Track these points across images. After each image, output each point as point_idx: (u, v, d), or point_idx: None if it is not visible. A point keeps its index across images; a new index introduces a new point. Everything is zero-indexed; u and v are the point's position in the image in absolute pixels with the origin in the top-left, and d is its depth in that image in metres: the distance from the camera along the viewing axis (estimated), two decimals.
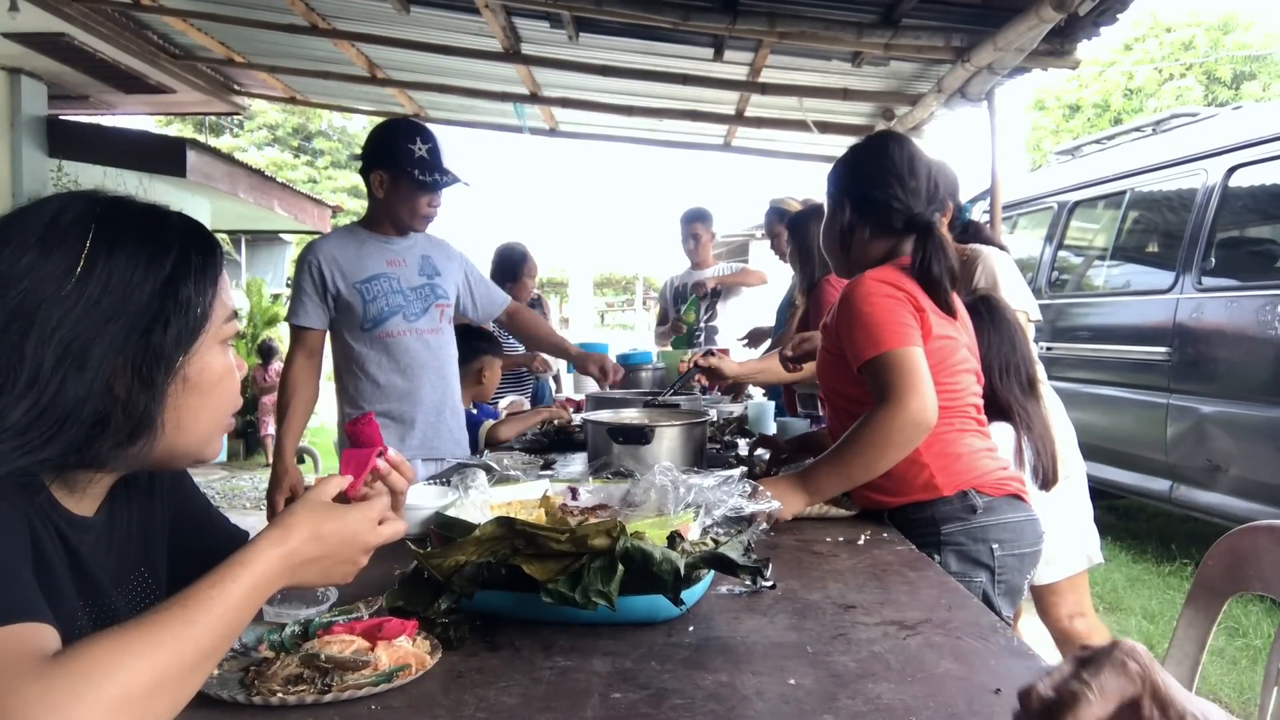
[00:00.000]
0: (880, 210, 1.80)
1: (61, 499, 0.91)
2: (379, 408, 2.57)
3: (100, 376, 0.84)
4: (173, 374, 0.89)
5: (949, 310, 1.76)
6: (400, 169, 2.54)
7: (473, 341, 3.26)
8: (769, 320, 4.50)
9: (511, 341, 4.57)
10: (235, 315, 0.99)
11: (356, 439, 1.04)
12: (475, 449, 2.79)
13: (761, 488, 1.59)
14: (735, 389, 3.97)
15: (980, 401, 1.81)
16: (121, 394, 0.86)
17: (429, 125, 2.86)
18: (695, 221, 5.07)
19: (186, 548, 1.10)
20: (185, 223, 0.96)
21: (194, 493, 1.17)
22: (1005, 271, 2.39)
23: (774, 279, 5.26)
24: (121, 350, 0.85)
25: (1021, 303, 2.39)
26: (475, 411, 3.08)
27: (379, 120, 4.95)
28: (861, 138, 1.97)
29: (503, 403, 3.55)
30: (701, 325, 5.04)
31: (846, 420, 1.73)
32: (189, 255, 0.92)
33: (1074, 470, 2.56)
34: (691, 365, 2.67)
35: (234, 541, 1.20)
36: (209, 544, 1.15)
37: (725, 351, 4.92)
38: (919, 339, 1.65)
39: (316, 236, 2.71)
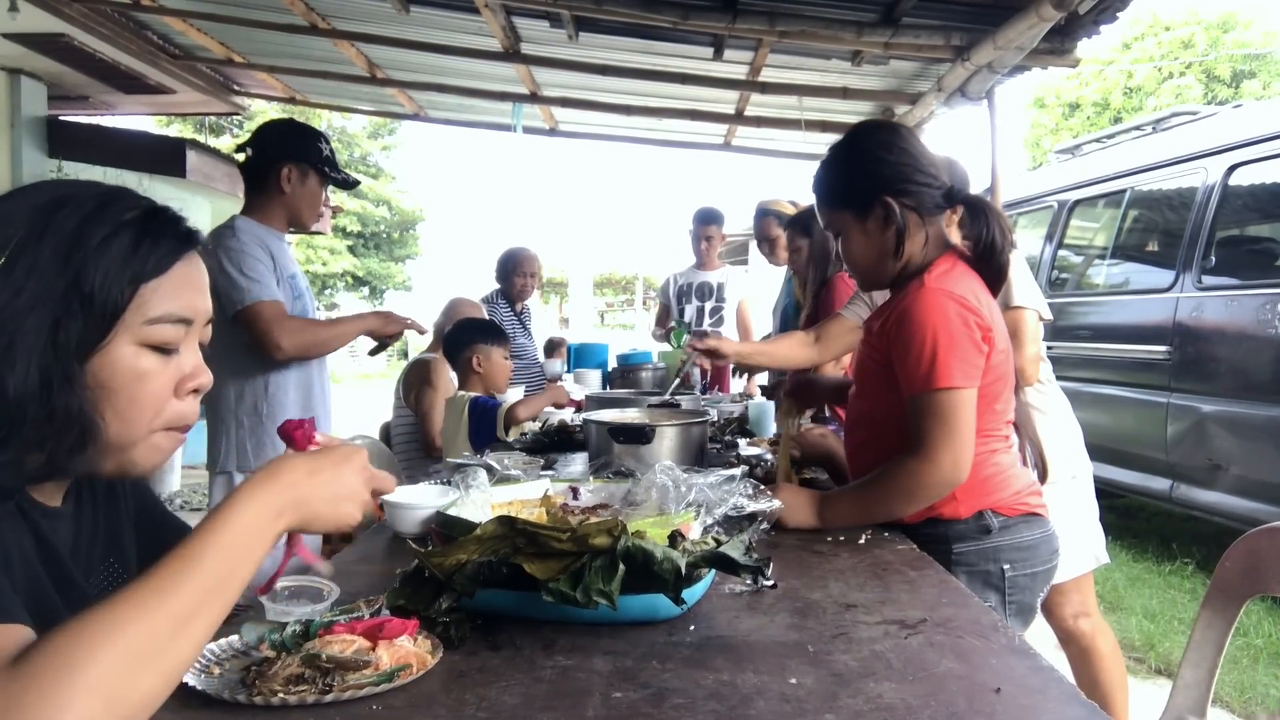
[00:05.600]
0: (925, 194, 1.68)
1: (30, 490, 0.90)
2: (291, 415, 2.55)
3: (32, 373, 0.81)
4: (80, 370, 0.84)
5: (997, 287, 1.73)
6: (312, 165, 2.56)
7: (460, 335, 3.22)
8: (768, 320, 4.50)
9: (513, 329, 4.57)
10: (180, 321, 0.91)
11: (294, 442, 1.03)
12: (494, 433, 2.81)
13: (765, 489, 1.60)
14: (747, 370, 3.95)
15: (1012, 414, 1.78)
16: (56, 392, 0.82)
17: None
18: (711, 224, 5.10)
19: (147, 543, 1.09)
20: (136, 209, 0.90)
21: (147, 490, 1.16)
22: (1016, 270, 2.39)
23: (765, 282, 5.25)
24: (44, 345, 0.82)
25: (1033, 301, 2.40)
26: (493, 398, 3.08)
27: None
28: (848, 139, 1.82)
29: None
30: (706, 329, 5.05)
31: (866, 431, 1.72)
32: (111, 243, 0.86)
33: (1080, 470, 2.56)
34: (689, 350, 2.63)
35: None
36: (167, 541, 1.15)
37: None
38: (978, 376, 1.58)
39: (233, 221, 2.57)
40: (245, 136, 2.77)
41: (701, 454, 2.15)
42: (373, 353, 2.79)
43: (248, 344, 2.46)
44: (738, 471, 1.60)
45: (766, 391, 3.29)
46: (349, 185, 2.77)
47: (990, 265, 1.71)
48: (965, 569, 1.63)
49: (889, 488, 1.61)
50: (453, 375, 3.35)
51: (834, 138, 5.45)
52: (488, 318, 4.12)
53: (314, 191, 2.60)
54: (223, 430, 2.52)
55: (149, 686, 0.69)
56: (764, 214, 4.11)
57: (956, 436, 1.55)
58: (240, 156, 2.60)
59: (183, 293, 0.92)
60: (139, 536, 1.09)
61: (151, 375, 0.90)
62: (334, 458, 0.90)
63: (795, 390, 2.16)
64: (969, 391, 1.57)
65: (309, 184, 2.57)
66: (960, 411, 1.56)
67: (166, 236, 0.91)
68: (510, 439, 2.82)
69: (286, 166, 2.53)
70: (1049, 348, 2.76)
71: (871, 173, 1.71)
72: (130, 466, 0.92)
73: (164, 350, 0.91)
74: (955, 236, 2.44)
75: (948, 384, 1.55)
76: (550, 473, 2.16)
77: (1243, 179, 4.49)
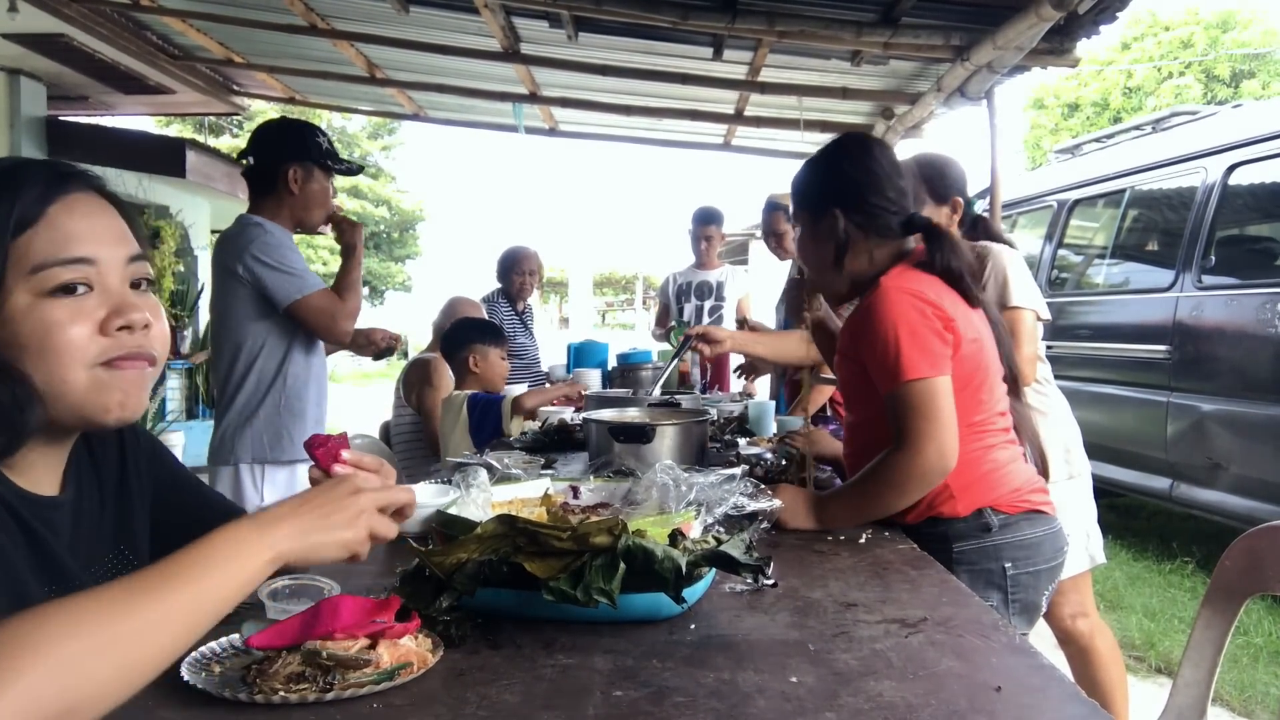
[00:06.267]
0: (879, 216, 1.71)
1: (13, 477, 0.89)
2: (310, 413, 2.58)
3: None
4: None
5: (972, 301, 1.71)
6: (315, 161, 2.55)
7: (458, 334, 3.21)
8: (769, 319, 4.50)
9: (514, 328, 4.57)
10: (76, 261, 0.90)
11: (318, 460, 1.04)
12: (497, 427, 2.81)
13: (766, 488, 1.60)
14: (750, 368, 3.95)
15: (1007, 407, 1.77)
16: None
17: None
18: (711, 224, 5.09)
19: (174, 525, 1.08)
20: None
21: (177, 469, 1.15)
22: (1015, 269, 2.39)
23: (765, 281, 5.24)
24: None
25: (1031, 301, 2.39)
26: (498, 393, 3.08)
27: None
28: (827, 145, 1.88)
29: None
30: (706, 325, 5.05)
31: (861, 433, 1.73)
32: None
33: (1079, 470, 2.56)
34: (682, 339, 2.62)
35: (228, 518, 1.20)
36: (199, 520, 1.14)
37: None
38: (948, 364, 1.59)
39: (251, 219, 2.54)
40: (245, 137, 2.78)
41: (702, 453, 2.15)
42: (377, 357, 2.82)
43: (270, 337, 2.49)
44: (738, 471, 1.61)
45: (776, 371, 3.25)
46: (354, 172, 2.77)
47: (957, 287, 1.69)
48: (966, 568, 1.63)
49: (880, 482, 1.61)
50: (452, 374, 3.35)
51: (833, 138, 5.43)
52: (487, 317, 4.12)
53: (321, 187, 2.59)
54: (238, 422, 2.53)
55: (105, 680, 0.69)
56: (773, 208, 4.08)
57: (936, 424, 1.55)
58: (242, 164, 2.60)
59: (68, 235, 0.90)
60: (163, 519, 1.08)
61: (60, 323, 0.89)
62: (324, 485, 0.92)
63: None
64: (940, 380, 1.57)
65: (315, 180, 2.57)
66: (936, 400, 1.56)
67: (30, 185, 0.91)
68: (512, 436, 2.82)
69: (290, 167, 2.52)
70: (1049, 347, 2.76)
71: (829, 183, 1.78)
72: (89, 413, 0.91)
73: (70, 292, 0.90)
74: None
75: (916, 375, 1.56)
76: (550, 472, 2.16)
77: (1242, 178, 4.49)
